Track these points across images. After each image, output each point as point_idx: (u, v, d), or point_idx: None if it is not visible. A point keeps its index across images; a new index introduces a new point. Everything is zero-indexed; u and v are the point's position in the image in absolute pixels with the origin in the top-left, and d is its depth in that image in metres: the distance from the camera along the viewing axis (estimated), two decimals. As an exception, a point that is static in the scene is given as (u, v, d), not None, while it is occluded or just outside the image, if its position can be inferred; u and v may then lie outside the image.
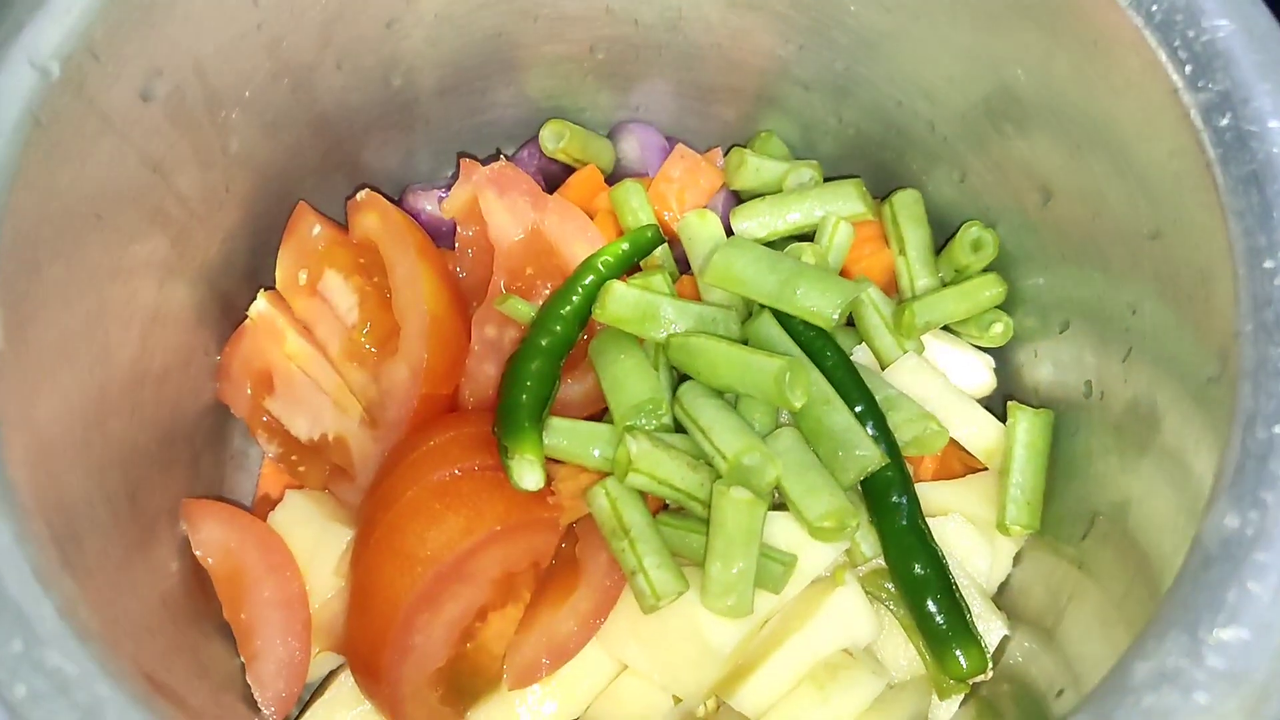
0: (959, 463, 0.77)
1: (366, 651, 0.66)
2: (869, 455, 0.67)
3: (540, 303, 0.76)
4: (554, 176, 0.88)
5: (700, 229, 0.78)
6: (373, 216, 0.75)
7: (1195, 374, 0.54)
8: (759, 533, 0.64)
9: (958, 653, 0.66)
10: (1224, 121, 0.54)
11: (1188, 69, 0.55)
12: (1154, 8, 0.56)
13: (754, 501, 0.63)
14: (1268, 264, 0.51)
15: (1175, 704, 0.43)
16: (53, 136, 0.54)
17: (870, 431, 0.69)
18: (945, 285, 0.78)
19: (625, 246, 0.76)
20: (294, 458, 0.76)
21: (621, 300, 0.72)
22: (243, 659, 0.69)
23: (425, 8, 0.74)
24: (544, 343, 0.70)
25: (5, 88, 0.52)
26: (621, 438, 0.67)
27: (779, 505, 0.69)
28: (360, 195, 0.78)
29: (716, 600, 0.64)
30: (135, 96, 0.61)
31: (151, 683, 0.51)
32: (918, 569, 0.67)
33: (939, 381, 0.74)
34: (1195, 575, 0.46)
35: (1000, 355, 0.79)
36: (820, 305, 0.69)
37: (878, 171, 0.84)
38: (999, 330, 0.77)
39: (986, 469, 0.76)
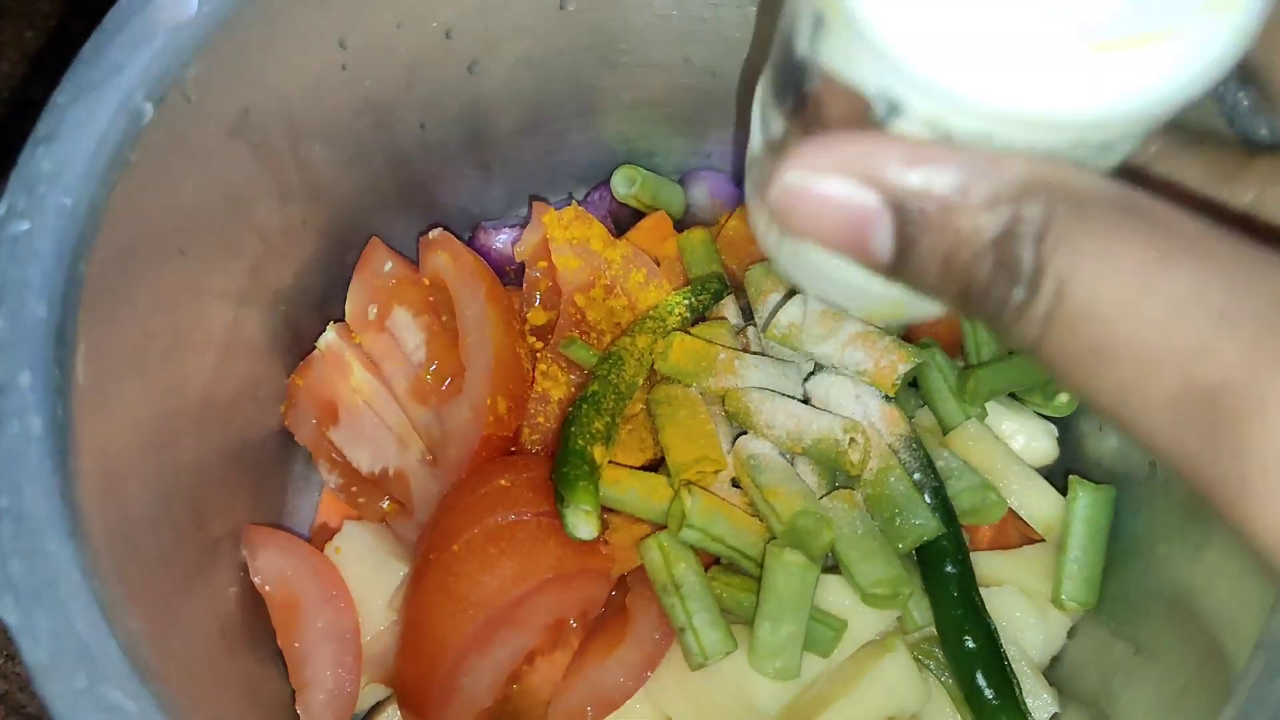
0: (1016, 533, 0.76)
1: (415, 689, 0.66)
2: (925, 525, 0.67)
3: (604, 347, 0.76)
4: (624, 220, 0.89)
5: (765, 281, 0.78)
6: (444, 256, 0.76)
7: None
8: (810, 597, 0.64)
9: (1007, 729, 0.65)
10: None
11: None
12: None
13: (807, 566, 0.63)
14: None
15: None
16: (141, 176, 0.56)
17: (928, 499, 0.68)
18: (1011, 352, 0.77)
19: (690, 297, 0.76)
20: (354, 489, 0.77)
21: (684, 351, 0.72)
22: (294, 687, 0.69)
23: (507, 51, 0.76)
24: (604, 391, 0.70)
25: (98, 131, 0.53)
26: (677, 492, 0.67)
27: (832, 567, 0.69)
28: (433, 234, 0.79)
29: (764, 662, 0.64)
30: (223, 134, 0.62)
31: (205, 717, 0.52)
32: (969, 642, 0.66)
33: (1000, 450, 0.74)
34: (1258, 682, 0.45)
35: (1063, 424, 0.78)
36: (882, 370, 0.69)
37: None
38: (1064, 400, 0.77)
39: (1044, 540, 0.75)
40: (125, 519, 0.56)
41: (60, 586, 0.46)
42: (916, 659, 0.69)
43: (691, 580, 0.65)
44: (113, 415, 0.55)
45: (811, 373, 0.74)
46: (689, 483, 0.67)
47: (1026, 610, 0.71)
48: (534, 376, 0.76)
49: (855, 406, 0.71)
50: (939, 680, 0.70)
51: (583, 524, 0.65)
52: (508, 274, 0.86)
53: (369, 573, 0.72)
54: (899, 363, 0.69)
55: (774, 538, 0.66)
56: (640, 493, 0.69)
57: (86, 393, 0.52)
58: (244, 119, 0.63)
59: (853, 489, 0.69)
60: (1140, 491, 0.70)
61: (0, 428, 0.48)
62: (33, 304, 0.50)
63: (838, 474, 0.71)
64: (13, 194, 0.52)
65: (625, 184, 0.87)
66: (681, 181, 0.91)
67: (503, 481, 0.69)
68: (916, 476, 0.69)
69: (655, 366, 0.73)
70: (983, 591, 0.69)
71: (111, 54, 0.55)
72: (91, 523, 0.50)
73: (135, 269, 0.57)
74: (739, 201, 0.87)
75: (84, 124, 0.54)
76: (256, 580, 0.72)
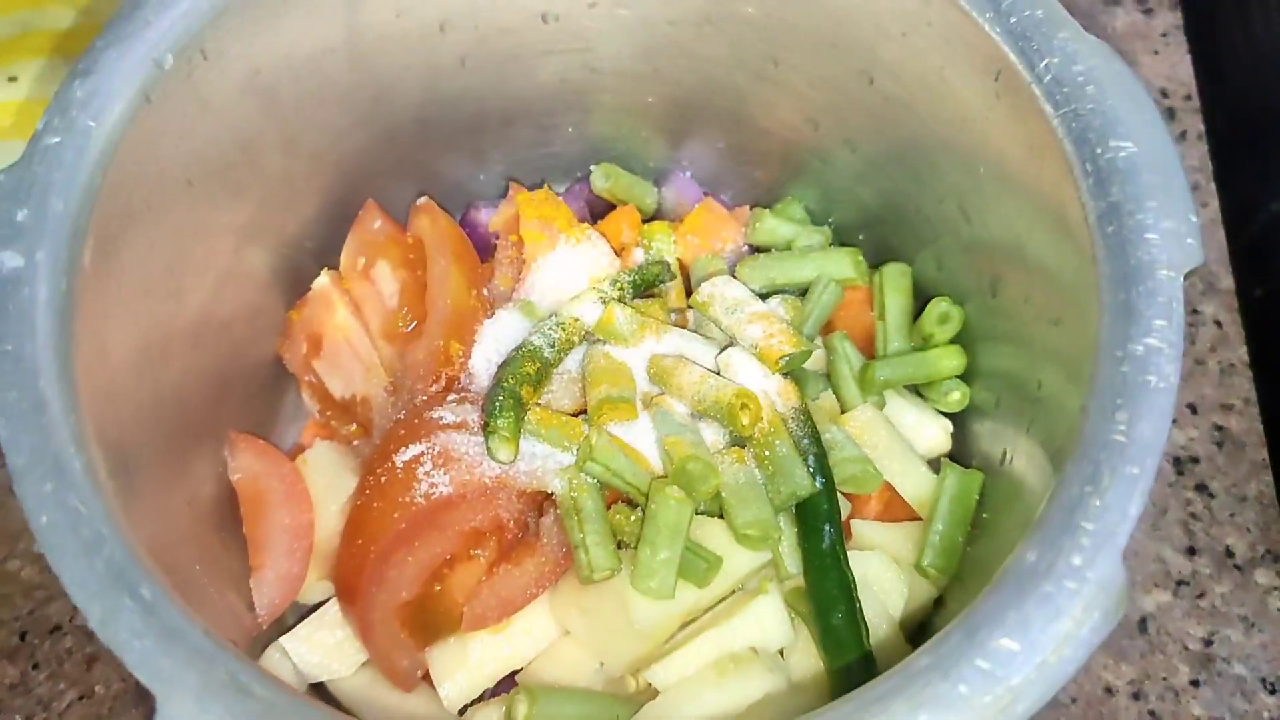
0: (904, 513, 0.85)
1: (349, 576, 0.77)
2: (802, 483, 0.76)
3: (555, 312, 0.87)
4: (600, 212, 1.00)
5: (707, 270, 0.89)
6: (425, 220, 0.89)
7: (1051, 444, 0.63)
8: (684, 527, 0.74)
9: (854, 669, 0.74)
10: (1110, 229, 0.62)
11: (1090, 181, 0.64)
12: (1074, 124, 0.65)
13: (684, 500, 0.73)
14: (1118, 352, 0.59)
15: (943, 691, 0.52)
16: (159, 113, 0.68)
17: (810, 464, 0.78)
18: (915, 349, 0.87)
19: (633, 274, 0.87)
20: (329, 413, 0.89)
21: (616, 318, 0.83)
22: (251, 566, 0.81)
23: (495, 48, 0.87)
24: (540, 344, 0.81)
25: (125, 72, 0.66)
26: (589, 432, 0.78)
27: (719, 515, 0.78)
28: (420, 201, 0.91)
29: (641, 581, 0.74)
30: (234, 90, 0.75)
31: (179, 575, 0.63)
32: (828, 586, 0.75)
33: (887, 432, 0.83)
34: (991, 596, 0.55)
35: (959, 422, 0.87)
36: (770, 348, 0.80)
37: (880, 246, 0.93)
38: (955, 397, 0.85)
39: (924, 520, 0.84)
40: (113, 393, 0.67)
41: (45, 414, 0.58)
42: (789, 605, 0.79)
43: (589, 506, 0.76)
44: (111, 301, 0.67)
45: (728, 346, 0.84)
46: (598, 423, 0.78)
47: (891, 572, 0.80)
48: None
49: (759, 379, 0.81)
50: (808, 627, 0.79)
51: (502, 448, 0.76)
52: (491, 248, 0.97)
53: (329, 481, 0.84)
54: (785, 345, 0.79)
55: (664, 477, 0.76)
56: (560, 432, 0.79)
57: (91, 278, 0.64)
58: (254, 79, 0.75)
59: (744, 449, 0.79)
60: (997, 480, 0.79)
61: (15, 291, 0.60)
62: (54, 200, 0.63)
63: (736, 436, 0.81)
64: (50, 114, 0.65)
65: (602, 179, 0.98)
66: (656, 182, 1.02)
67: (446, 412, 0.80)
68: (804, 443, 0.79)
69: (591, 329, 0.84)
70: (852, 553, 0.78)
71: (144, 12, 0.68)
72: (80, 381, 0.62)
73: (146, 189, 0.69)
74: (699, 200, 0.98)
75: (115, 65, 0.66)
76: (234, 478, 0.83)
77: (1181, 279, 0.60)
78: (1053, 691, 0.52)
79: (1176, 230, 0.61)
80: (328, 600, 0.84)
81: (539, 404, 0.81)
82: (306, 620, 0.82)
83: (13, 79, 1.05)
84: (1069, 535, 0.55)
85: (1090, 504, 0.55)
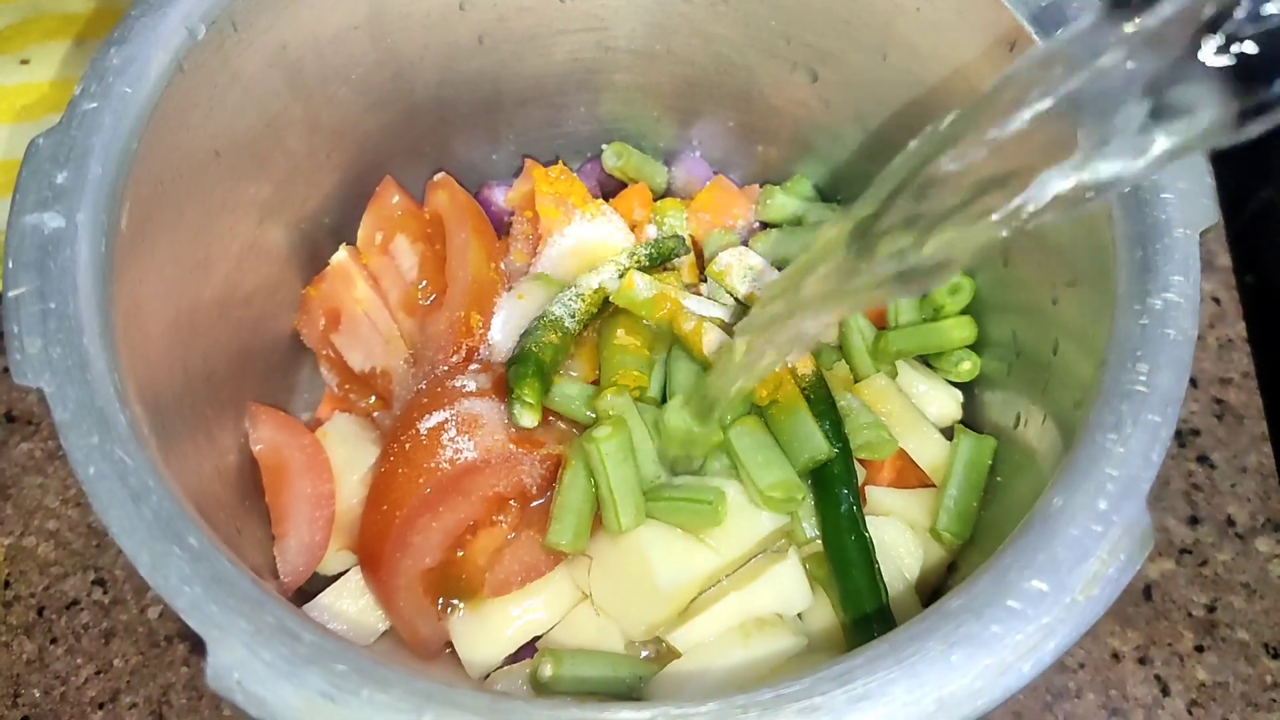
0: (915, 479, 0.87)
1: (372, 543, 0.78)
2: (820, 447, 0.78)
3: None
4: (612, 191, 1.01)
5: (719, 243, 0.91)
6: (443, 194, 0.90)
7: (1067, 405, 0.65)
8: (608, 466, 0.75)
9: (874, 629, 0.76)
10: (1127, 190, 0.64)
11: (1106, 144, 0.66)
12: (1089, 91, 0.67)
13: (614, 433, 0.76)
14: (1137, 306, 0.61)
15: (976, 630, 0.53)
16: (191, 82, 0.69)
17: (825, 428, 0.79)
18: (925, 320, 0.89)
19: (649, 247, 0.89)
20: (347, 386, 0.90)
21: (636, 284, 0.84)
22: (274, 535, 0.82)
23: (513, 28, 0.89)
24: (561, 313, 0.83)
25: (160, 39, 0.67)
26: (600, 391, 0.79)
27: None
28: (437, 177, 0.92)
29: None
30: (262, 63, 0.76)
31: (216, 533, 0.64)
32: (847, 548, 0.77)
33: (900, 400, 0.85)
34: (1020, 540, 0.56)
35: (969, 391, 0.89)
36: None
37: (889, 221, 0.95)
38: (966, 367, 0.87)
39: (936, 487, 0.85)
40: (149, 358, 0.68)
41: (89, 371, 0.58)
42: (808, 571, 0.80)
43: (566, 481, 0.77)
44: (146, 267, 0.68)
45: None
46: (615, 388, 0.79)
47: (908, 538, 0.81)
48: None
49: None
50: (826, 593, 0.81)
51: (525, 414, 0.77)
52: (505, 225, 0.99)
53: (349, 453, 0.85)
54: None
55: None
56: (576, 397, 0.81)
57: (128, 242, 0.65)
58: (281, 53, 0.76)
59: (762, 414, 0.80)
60: (1011, 446, 0.80)
61: (58, 251, 0.61)
62: (93, 164, 0.64)
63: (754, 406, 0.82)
64: (87, 80, 0.66)
65: (614, 158, 0.99)
66: (666, 162, 1.03)
67: (469, 380, 0.81)
68: (820, 409, 0.80)
69: (611, 298, 0.85)
70: (870, 519, 0.80)
71: (177, -18, 0.69)
72: (120, 343, 0.63)
73: (177, 157, 0.70)
74: (708, 179, 0.99)
75: (149, 33, 0.67)
76: (256, 449, 0.84)
77: (1197, 237, 0.62)
78: (1083, 630, 0.53)
79: (1192, 190, 0.63)
80: (348, 571, 0.85)
81: (560, 372, 0.82)
82: (328, 589, 0.83)
83: (25, 61, 1.05)
84: (1094, 481, 0.56)
85: (1114, 451, 0.57)
